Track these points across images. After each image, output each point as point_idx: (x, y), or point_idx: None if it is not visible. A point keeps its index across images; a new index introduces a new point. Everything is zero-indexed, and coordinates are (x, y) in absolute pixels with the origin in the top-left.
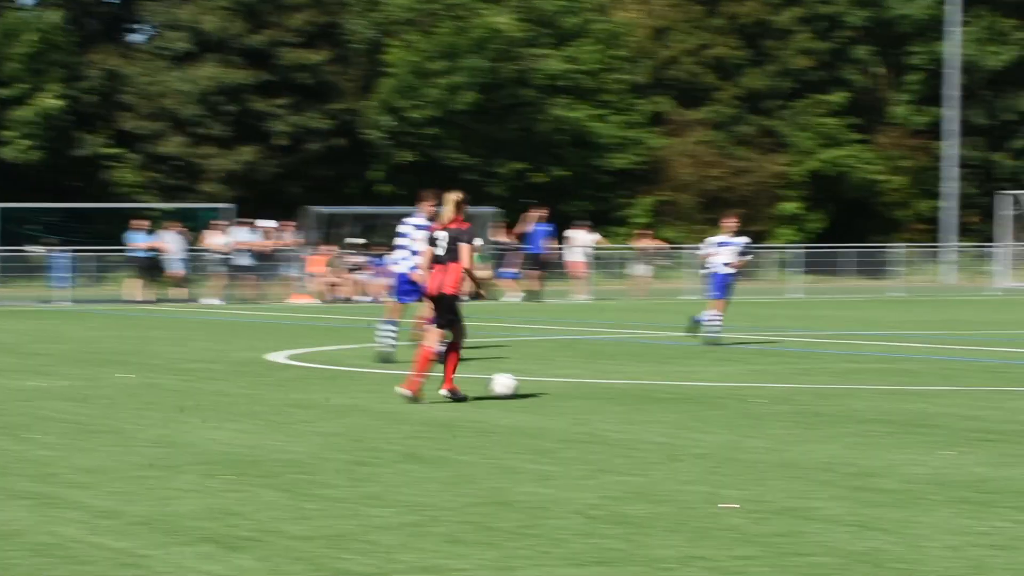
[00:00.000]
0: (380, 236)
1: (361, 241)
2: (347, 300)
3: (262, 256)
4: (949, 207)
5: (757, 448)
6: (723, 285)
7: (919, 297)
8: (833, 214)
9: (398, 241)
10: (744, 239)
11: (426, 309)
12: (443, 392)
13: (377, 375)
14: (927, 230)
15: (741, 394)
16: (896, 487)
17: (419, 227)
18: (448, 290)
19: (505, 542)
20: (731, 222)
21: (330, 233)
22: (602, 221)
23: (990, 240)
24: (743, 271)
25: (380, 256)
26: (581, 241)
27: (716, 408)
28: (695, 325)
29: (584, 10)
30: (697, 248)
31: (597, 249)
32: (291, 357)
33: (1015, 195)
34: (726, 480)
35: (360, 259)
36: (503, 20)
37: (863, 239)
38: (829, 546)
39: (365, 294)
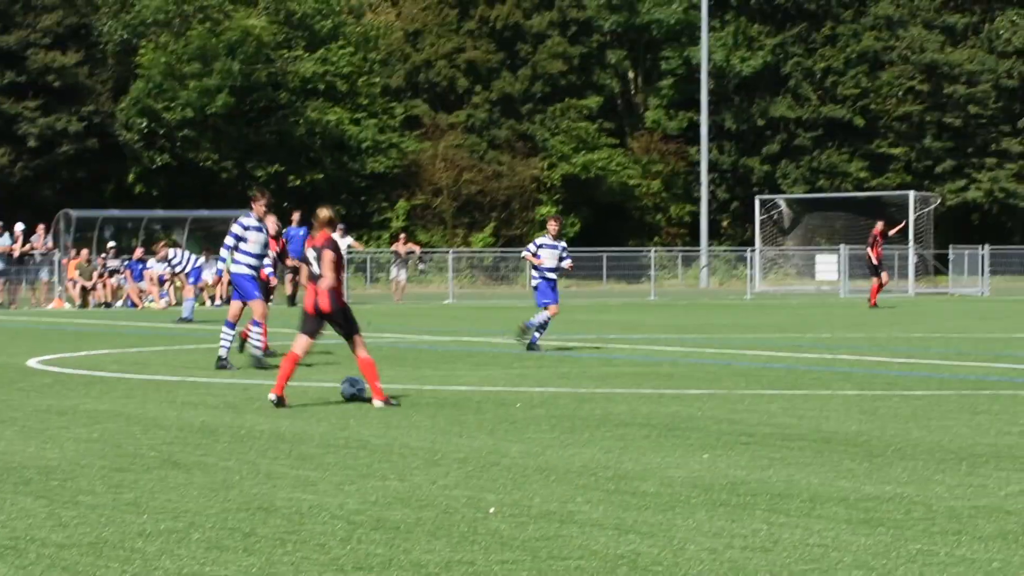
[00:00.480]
0: (136, 239)
1: (114, 244)
2: (105, 305)
3: (12, 260)
4: (703, 212)
5: (517, 453)
6: (548, 289)
7: (675, 301)
8: (588, 218)
9: (228, 241)
10: (562, 242)
11: (237, 309)
12: (377, 403)
13: (133, 380)
14: (682, 234)
15: (501, 399)
16: (655, 490)
17: (248, 228)
18: (340, 303)
19: (266, 548)
20: (553, 225)
21: (84, 236)
22: (360, 225)
23: (746, 244)
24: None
25: (142, 261)
26: None
27: (477, 412)
28: (525, 330)
29: (338, 13)
30: (447, 251)
31: (351, 253)
32: (45, 362)
33: (766, 200)
34: (487, 484)
35: (115, 262)
36: (256, 23)
37: (620, 243)
38: (590, 549)
39: (120, 298)
